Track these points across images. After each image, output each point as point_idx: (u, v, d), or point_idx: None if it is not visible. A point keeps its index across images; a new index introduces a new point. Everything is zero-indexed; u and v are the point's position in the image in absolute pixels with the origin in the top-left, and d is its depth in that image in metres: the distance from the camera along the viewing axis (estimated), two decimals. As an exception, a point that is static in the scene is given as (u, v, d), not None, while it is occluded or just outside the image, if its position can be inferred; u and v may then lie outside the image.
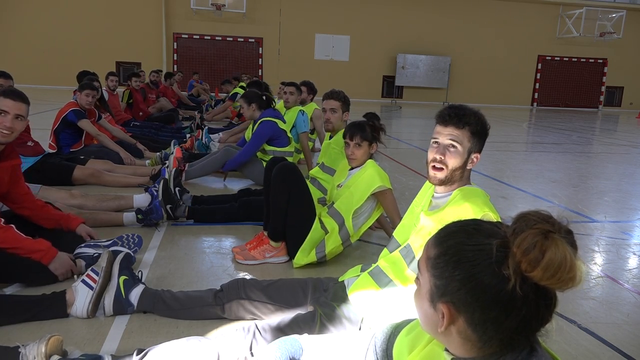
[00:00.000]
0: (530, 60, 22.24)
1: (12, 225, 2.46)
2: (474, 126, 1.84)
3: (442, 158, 1.85)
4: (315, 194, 3.33)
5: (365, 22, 20.21)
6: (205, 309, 2.14)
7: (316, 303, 2.04)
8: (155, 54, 18.99)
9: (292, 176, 2.73)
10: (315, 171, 3.77)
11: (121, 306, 2.18)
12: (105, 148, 5.13)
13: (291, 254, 2.83)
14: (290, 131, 5.00)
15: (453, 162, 1.84)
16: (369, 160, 2.86)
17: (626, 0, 22.12)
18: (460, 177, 1.91)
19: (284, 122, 4.76)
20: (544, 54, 22.30)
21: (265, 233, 2.93)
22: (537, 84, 22.68)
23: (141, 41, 18.83)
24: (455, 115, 1.83)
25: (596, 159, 8.51)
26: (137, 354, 1.73)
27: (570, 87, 23.01)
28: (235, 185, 4.68)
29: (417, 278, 0.96)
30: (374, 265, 2.10)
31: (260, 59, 20.04)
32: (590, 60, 22.77)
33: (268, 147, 4.59)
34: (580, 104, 23.29)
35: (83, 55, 17.76)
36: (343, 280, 2.15)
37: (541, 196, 5.13)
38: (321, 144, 5.79)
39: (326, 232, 2.78)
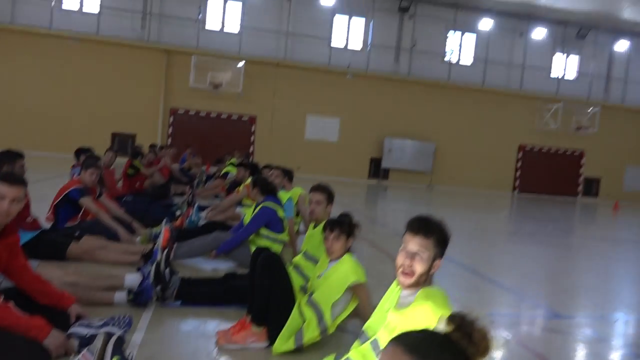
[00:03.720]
0: (512, 149, 23.25)
1: (10, 303, 2.65)
2: (438, 235, 2.17)
3: (411, 264, 2.15)
4: (297, 281, 3.57)
5: (355, 106, 21.22)
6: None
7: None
8: (151, 127, 19.59)
9: (275, 265, 3.01)
10: (298, 259, 4.03)
11: (112, 387, 2.36)
12: (99, 224, 5.35)
13: (271, 339, 3.04)
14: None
15: (420, 267, 2.14)
16: (347, 254, 3.15)
17: (600, 98, 23.58)
18: (424, 280, 2.20)
19: (284, 210, 5.05)
20: (525, 143, 23.36)
21: (248, 318, 3.15)
22: (518, 172, 23.56)
23: (138, 113, 19.49)
24: (424, 227, 2.16)
25: (569, 252, 8.86)
26: None
27: (550, 176, 23.87)
28: (221, 265, 4.88)
29: None
30: (345, 356, 2.33)
31: (252, 136, 20.75)
32: (568, 152, 23.85)
33: (264, 231, 4.86)
34: (560, 192, 24.07)
35: (79, 123, 18.32)
36: (317, 369, 2.37)
37: (513, 289, 5.39)
38: (305, 226, 6.07)
39: (304, 320, 3.01)
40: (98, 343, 2.44)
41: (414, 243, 2.16)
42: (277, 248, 4.76)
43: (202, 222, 6.96)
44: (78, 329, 2.89)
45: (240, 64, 19.55)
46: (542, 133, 23.25)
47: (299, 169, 7.59)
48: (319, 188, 4.09)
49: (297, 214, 6.56)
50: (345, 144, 21.37)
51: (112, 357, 2.43)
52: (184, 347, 3.01)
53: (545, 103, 22.83)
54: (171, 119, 20.08)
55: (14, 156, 4.47)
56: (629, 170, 24.41)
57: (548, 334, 4.12)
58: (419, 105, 21.76)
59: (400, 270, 2.19)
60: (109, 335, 2.53)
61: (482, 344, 1.18)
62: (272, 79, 20.31)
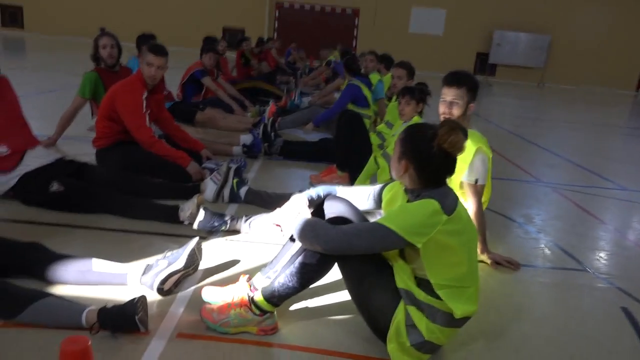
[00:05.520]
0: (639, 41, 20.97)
1: (162, 140, 3.69)
2: (469, 84, 2.72)
3: (449, 110, 2.73)
4: (376, 141, 4.26)
5: (463, -4, 20.19)
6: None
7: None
8: (258, 22, 20.40)
9: (355, 121, 3.72)
10: (381, 126, 4.68)
11: (234, 197, 3.33)
12: (218, 100, 6.37)
13: (352, 181, 3.82)
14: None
15: (456, 112, 2.72)
16: (416, 116, 3.74)
17: None
18: (462, 121, 2.78)
19: (369, 88, 5.64)
20: (657, 36, 20.91)
21: (335, 166, 3.95)
22: (646, 68, 21.38)
23: (246, 9, 20.31)
24: (456, 79, 2.71)
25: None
26: (245, 219, 2.84)
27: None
28: (315, 137, 5.68)
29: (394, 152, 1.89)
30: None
31: (355, 30, 20.80)
32: None
33: (351, 107, 5.53)
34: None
35: (194, 20, 19.58)
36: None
37: (579, 164, 5.67)
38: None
39: (378, 167, 3.73)
40: (224, 169, 3.38)
41: (449, 94, 2.73)
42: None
43: (303, 106, 7.79)
44: (208, 164, 3.88)
45: (345, -47, 19.21)
46: (681, 23, 20.56)
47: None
48: (400, 64, 4.63)
49: (390, 98, 7.10)
50: (450, 38, 20.69)
51: (233, 179, 3.37)
52: (285, 184, 3.91)
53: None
54: (277, 13, 20.66)
55: (151, 37, 5.46)
56: None
57: (604, 200, 4.48)
58: (534, -7, 20.11)
59: (442, 116, 2.78)
60: (231, 166, 3.46)
61: (443, 137, 1.71)
62: (377, -32, 19.80)
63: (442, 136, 1.72)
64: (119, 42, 4.51)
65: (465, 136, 1.77)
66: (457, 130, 1.73)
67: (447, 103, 2.73)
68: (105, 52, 4.37)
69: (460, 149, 1.75)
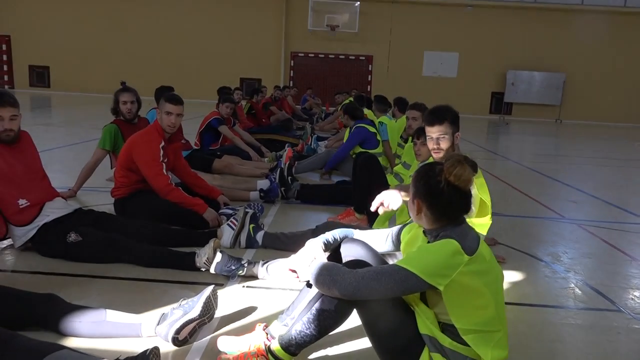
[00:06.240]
0: (657, 77, 20.85)
1: (179, 187, 3.71)
2: (450, 118, 2.78)
3: (438, 145, 2.77)
4: (393, 182, 4.22)
5: (475, 38, 20.45)
6: (305, 240, 3.13)
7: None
8: (274, 71, 20.92)
9: (372, 163, 3.68)
10: (398, 167, 4.66)
11: (250, 242, 3.29)
12: (235, 147, 6.44)
13: (370, 224, 3.75)
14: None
15: (445, 145, 2.78)
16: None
17: None
18: (452, 152, 2.79)
19: (374, 127, 5.67)
20: (674, 70, 20.80)
21: (352, 208, 3.89)
22: (665, 102, 21.15)
23: (262, 59, 20.87)
24: (436, 116, 2.76)
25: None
26: (262, 263, 2.78)
27: None
28: (332, 180, 5.68)
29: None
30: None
31: (369, 76, 21.16)
32: None
33: (360, 149, 5.54)
34: None
35: (212, 72, 20.14)
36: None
37: (604, 199, 5.50)
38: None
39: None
40: (240, 214, 3.36)
41: (434, 131, 2.78)
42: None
43: (320, 151, 7.83)
44: (225, 211, 3.87)
45: (356, 4, 19.81)
46: (696, 56, 20.46)
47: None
48: (415, 106, 4.63)
49: (407, 140, 7.09)
50: (464, 79, 20.86)
51: (249, 224, 3.34)
52: (302, 227, 3.84)
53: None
54: (292, 63, 21.18)
55: (169, 89, 5.59)
56: None
57: (633, 235, 4.30)
58: (547, 33, 20.29)
59: (432, 152, 2.84)
60: (247, 211, 3.44)
61: (449, 170, 1.70)
62: (388, 16, 20.28)
63: (448, 169, 1.70)
64: (139, 96, 4.63)
65: (474, 169, 1.74)
66: (462, 163, 1.71)
67: (435, 140, 2.79)
68: (125, 107, 4.48)
69: (467, 181, 1.71)
